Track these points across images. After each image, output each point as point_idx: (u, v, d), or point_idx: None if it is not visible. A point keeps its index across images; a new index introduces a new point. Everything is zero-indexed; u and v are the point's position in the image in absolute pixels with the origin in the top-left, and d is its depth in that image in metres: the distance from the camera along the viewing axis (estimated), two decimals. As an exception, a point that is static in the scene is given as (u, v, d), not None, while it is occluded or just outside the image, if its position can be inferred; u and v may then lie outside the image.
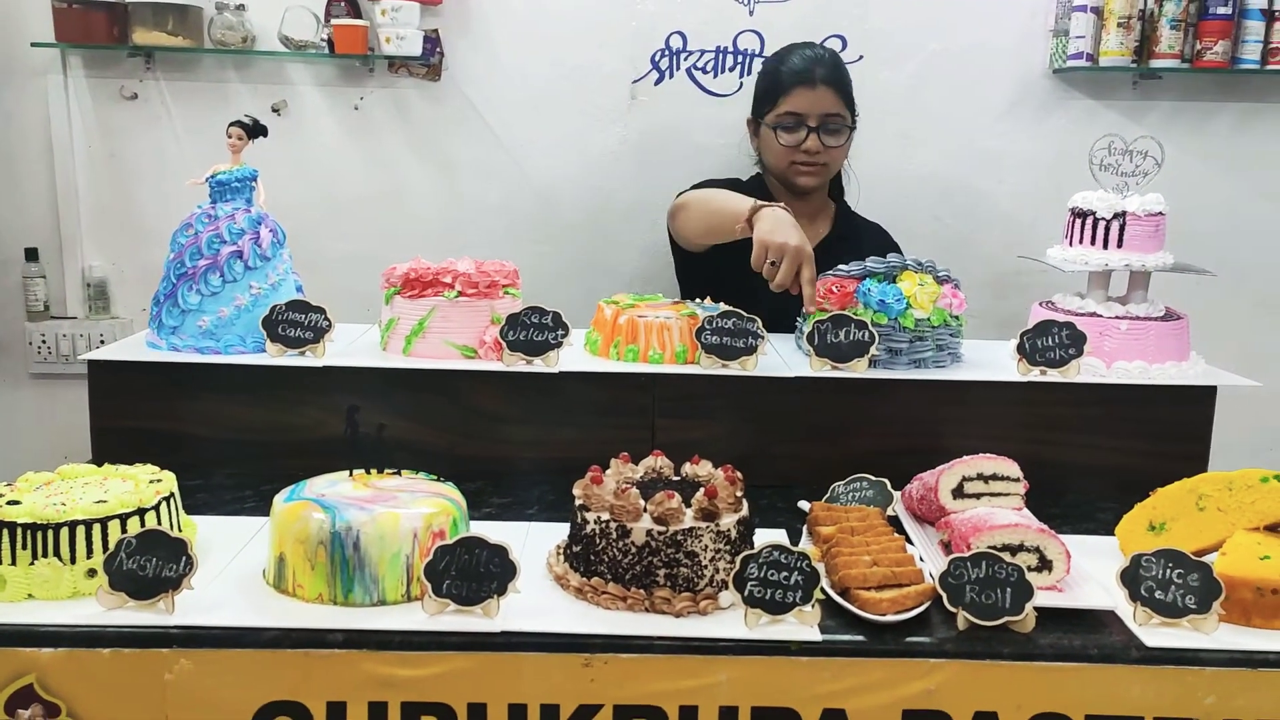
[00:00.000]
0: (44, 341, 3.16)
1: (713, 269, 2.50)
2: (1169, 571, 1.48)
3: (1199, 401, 2.09)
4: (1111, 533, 1.76)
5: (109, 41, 2.96)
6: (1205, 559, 1.51)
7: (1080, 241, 2.17)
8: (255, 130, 2.14)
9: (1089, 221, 2.15)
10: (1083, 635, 1.48)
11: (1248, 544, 1.56)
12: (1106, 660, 1.44)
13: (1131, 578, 1.49)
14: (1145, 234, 2.12)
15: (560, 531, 1.67)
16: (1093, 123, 3.04)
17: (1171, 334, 2.12)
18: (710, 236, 2.43)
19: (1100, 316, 2.13)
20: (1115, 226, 2.12)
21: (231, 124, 2.13)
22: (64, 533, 1.48)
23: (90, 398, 2.07)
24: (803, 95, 2.59)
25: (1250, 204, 3.12)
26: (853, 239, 2.69)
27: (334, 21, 2.93)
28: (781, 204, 2.22)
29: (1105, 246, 2.13)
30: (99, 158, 3.10)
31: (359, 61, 3.03)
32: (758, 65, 3.04)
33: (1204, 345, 2.21)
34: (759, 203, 2.19)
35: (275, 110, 3.06)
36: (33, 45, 2.98)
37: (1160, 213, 2.13)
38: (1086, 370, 2.06)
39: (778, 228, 2.11)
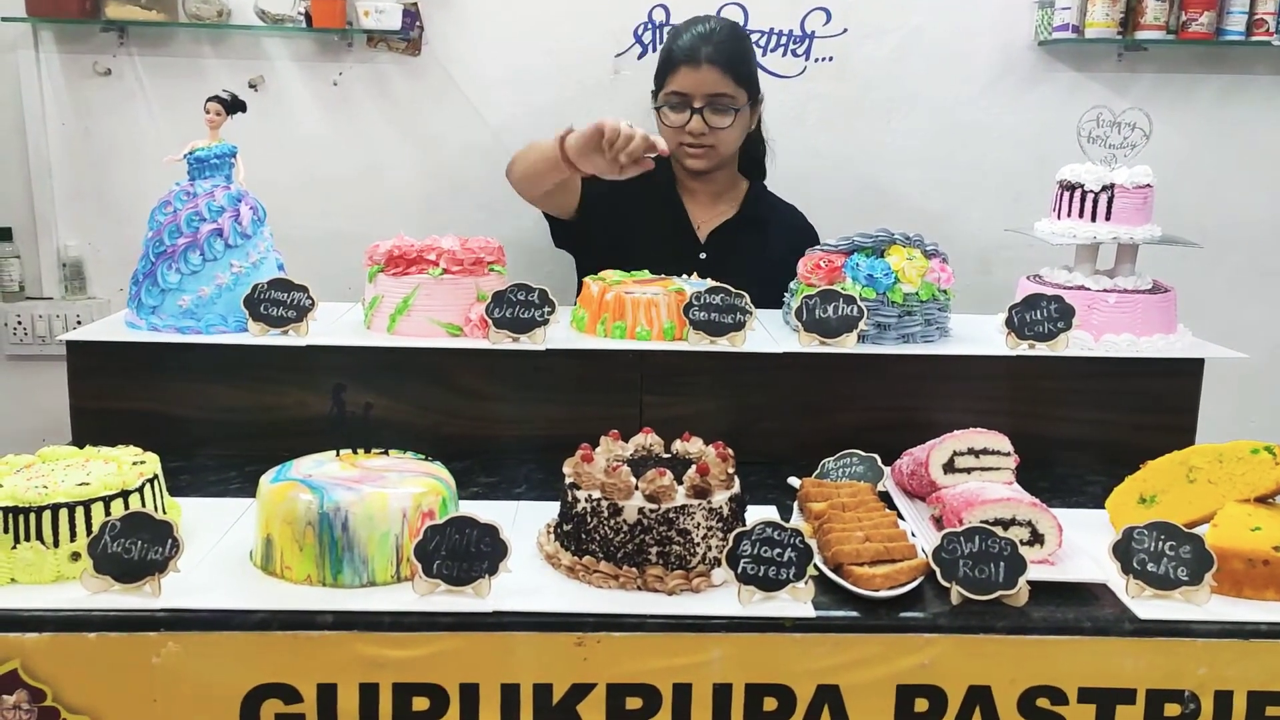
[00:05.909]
0: (19, 322, 3.11)
1: (585, 232, 2.64)
2: (1161, 544, 1.49)
3: (1187, 374, 2.09)
4: (1100, 505, 1.76)
5: (81, 16, 2.90)
6: (1196, 531, 1.51)
7: (1068, 214, 2.16)
8: (234, 106, 2.10)
9: (1077, 194, 2.14)
10: (1075, 608, 1.48)
11: (1239, 515, 1.56)
12: (1099, 633, 1.44)
13: (1124, 550, 1.49)
14: (1133, 206, 2.11)
15: (549, 510, 1.66)
16: (1077, 95, 3.03)
17: (1159, 307, 2.12)
18: (537, 180, 2.48)
19: (1088, 290, 2.12)
20: (1104, 199, 2.11)
21: (209, 99, 2.09)
22: (46, 516, 1.45)
23: (70, 379, 2.03)
24: (687, 75, 2.52)
25: (1234, 176, 3.12)
26: (760, 221, 2.67)
27: (311, -5, 2.88)
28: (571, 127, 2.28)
29: (1094, 219, 2.12)
30: (73, 135, 3.05)
31: (337, 36, 2.98)
32: (742, 38, 3.01)
33: (1190, 317, 2.21)
34: (560, 131, 2.28)
35: (252, 86, 3.01)
36: (3, 20, 2.91)
37: (1148, 185, 2.12)
38: (1075, 344, 2.06)
39: (579, 135, 2.22)
